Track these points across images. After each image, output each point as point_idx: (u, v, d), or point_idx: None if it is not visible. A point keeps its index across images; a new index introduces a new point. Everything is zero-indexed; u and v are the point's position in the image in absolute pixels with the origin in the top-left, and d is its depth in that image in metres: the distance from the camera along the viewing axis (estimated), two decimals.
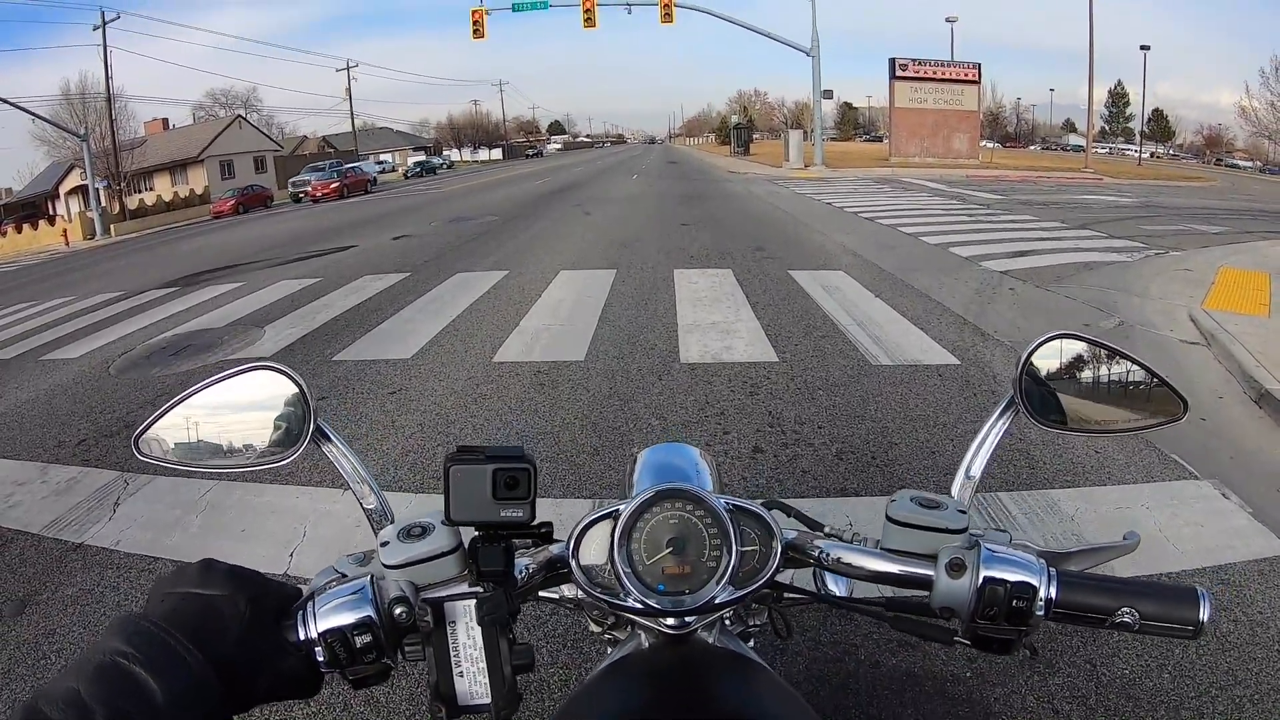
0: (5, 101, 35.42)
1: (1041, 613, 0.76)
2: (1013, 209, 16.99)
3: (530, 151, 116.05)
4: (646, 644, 0.94)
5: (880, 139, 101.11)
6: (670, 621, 0.88)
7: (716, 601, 0.82)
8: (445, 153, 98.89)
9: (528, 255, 11.95)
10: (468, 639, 0.77)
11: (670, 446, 1.14)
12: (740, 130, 63.68)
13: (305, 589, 0.79)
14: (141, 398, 6.14)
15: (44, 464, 4.93)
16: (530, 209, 20.31)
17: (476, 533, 0.79)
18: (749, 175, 32.12)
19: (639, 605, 0.82)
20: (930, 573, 0.80)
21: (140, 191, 50.76)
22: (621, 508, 0.84)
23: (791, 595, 0.95)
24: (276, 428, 0.90)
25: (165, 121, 63.58)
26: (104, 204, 38.64)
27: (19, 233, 40.29)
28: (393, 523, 0.85)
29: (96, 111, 45.51)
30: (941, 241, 11.72)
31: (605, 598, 0.83)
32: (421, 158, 73.53)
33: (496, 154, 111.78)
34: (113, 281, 14.53)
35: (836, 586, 0.98)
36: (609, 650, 1.06)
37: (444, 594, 0.78)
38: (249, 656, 0.69)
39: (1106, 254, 10.47)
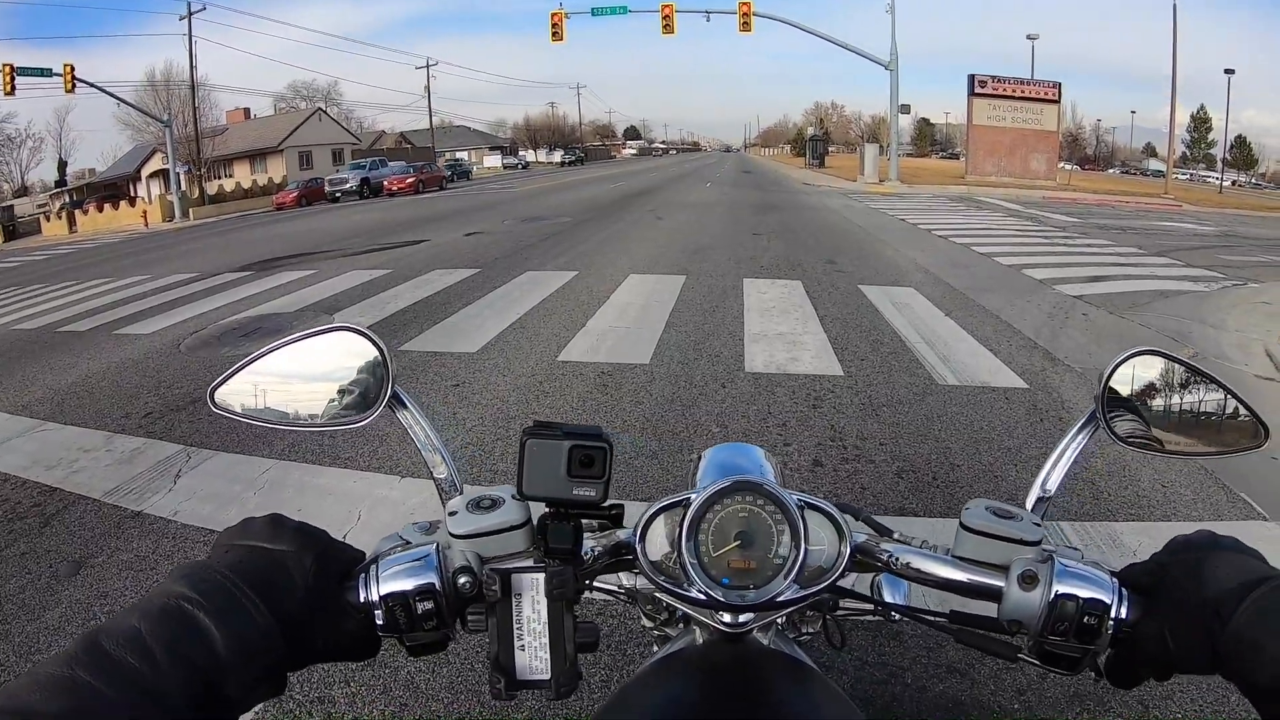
0: (92, 85, 36.79)
1: (1111, 631, 0.73)
2: (1089, 233, 16.58)
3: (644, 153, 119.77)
4: (701, 640, 0.94)
5: (956, 156, 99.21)
6: (726, 619, 0.88)
7: (780, 599, 0.80)
8: (521, 153, 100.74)
9: (598, 257, 12.06)
10: (532, 613, 0.75)
11: (735, 446, 1.12)
12: (816, 142, 63.09)
13: (369, 553, 0.78)
14: (209, 376, 6.29)
15: (110, 433, 5.13)
16: (603, 212, 20.44)
17: (546, 510, 0.78)
18: (823, 188, 31.93)
19: (702, 596, 0.80)
20: (1000, 583, 0.78)
21: (220, 178, 52.09)
22: (692, 497, 0.82)
23: (852, 603, 0.94)
24: (354, 389, 0.90)
25: (247, 111, 65.18)
26: (183, 188, 39.83)
27: (100, 212, 42.05)
28: (461, 494, 0.83)
29: (180, 99, 46.53)
30: (1015, 263, 11.50)
31: (670, 586, 0.82)
32: (512, 158, 79.34)
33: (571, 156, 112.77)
34: (188, 263, 15.05)
35: (896, 599, 0.96)
36: (656, 649, 1.07)
37: (512, 565, 0.76)
38: (311, 614, 0.68)
39: (1183, 283, 10.18)
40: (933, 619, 0.86)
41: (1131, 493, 3.92)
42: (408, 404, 0.90)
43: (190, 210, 38.43)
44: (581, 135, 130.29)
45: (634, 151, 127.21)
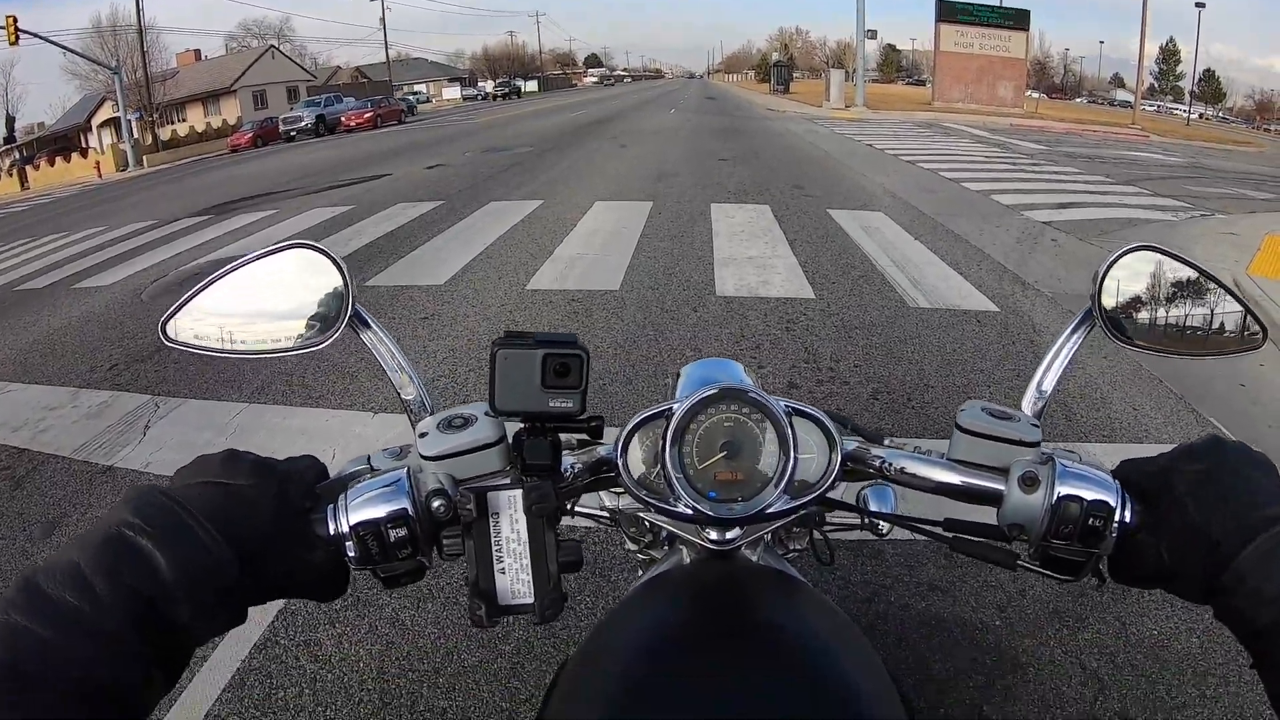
0: (37, 35, 35.38)
1: (1115, 535, 0.70)
2: (1057, 160, 16.48)
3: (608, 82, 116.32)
4: (688, 560, 0.92)
5: (923, 83, 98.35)
6: (713, 536, 0.86)
7: (770, 510, 0.78)
8: (480, 84, 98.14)
9: (562, 186, 11.82)
10: (511, 532, 0.71)
11: (714, 361, 1.07)
12: (780, 68, 62.18)
13: (333, 476, 0.74)
14: None
15: (75, 389, 4.98)
16: (566, 141, 20.01)
17: (521, 426, 0.74)
18: (788, 113, 31.50)
19: (689, 511, 0.77)
20: (999, 487, 0.75)
21: (173, 123, 50.78)
22: (674, 407, 0.79)
23: (840, 518, 0.92)
24: (313, 310, 0.85)
25: (198, 53, 63.21)
26: (135, 136, 38.61)
27: (52, 166, 40.59)
28: (432, 415, 0.79)
29: (128, 44, 45.30)
30: (983, 189, 11.43)
31: (654, 501, 0.79)
32: (472, 90, 77.04)
33: (532, 86, 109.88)
34: (145, 211, 14.57)
35: (884, 511, 0.93)
36: (641, 574, 1.04)
37: (488, 483, 0.72)
38: (271, 546, 0.64)
39: (1151, 212, 10.15)
40: (928, 528, 0.84)
41: (1104, 415, 3.93)
42: (370, 323, 0.86)
43: (144, 158, 37.00)
44: (542, 64, 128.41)
45: (595, 80, 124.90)
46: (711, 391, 0.78)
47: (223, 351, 0.87)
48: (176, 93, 54.30)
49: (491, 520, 0.71)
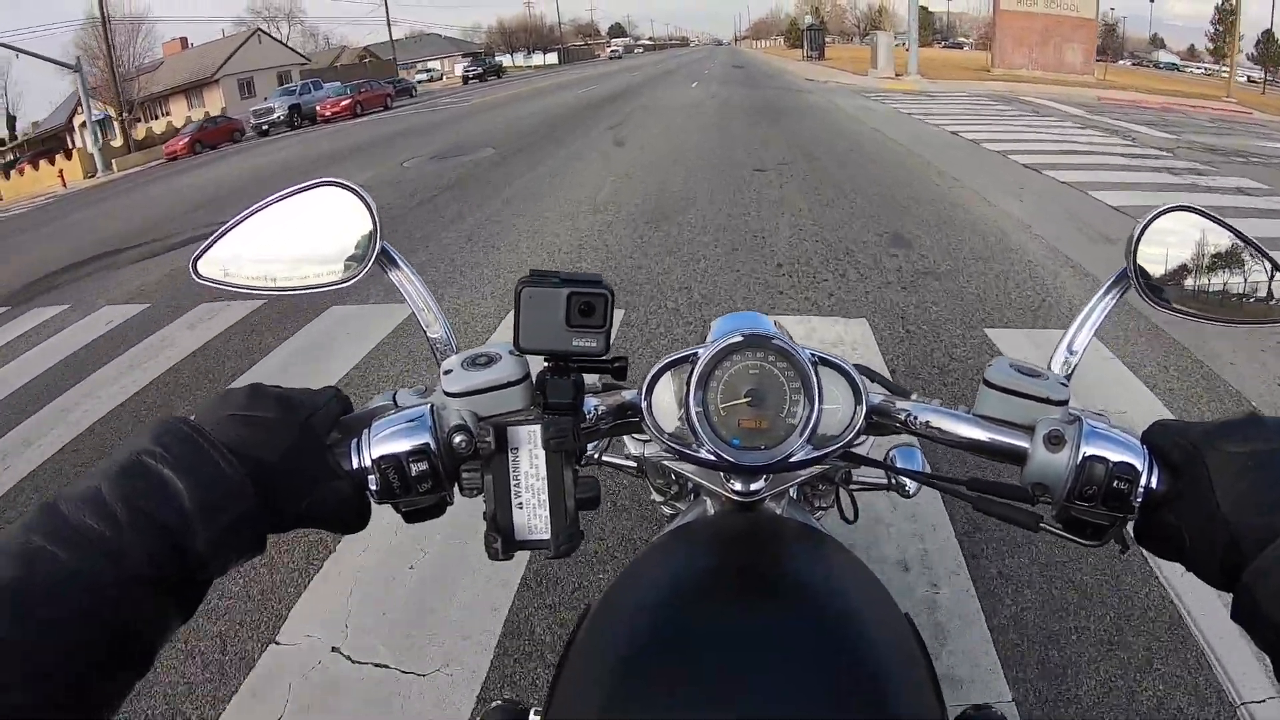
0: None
1: (1140, 500, 0.68)
2: (1215, 165, 10.87)
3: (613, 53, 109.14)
4: (713, 511, 0.95)
5: (960, 46, 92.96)
6: (737, 487, 0.88)
7: (794, 459, 0.77)
8: (497, 58, 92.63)
9: (490, 243, 7.39)
10: (530, 468, 0.71)
11: (745, 314, 0.93)
12: (814, 32, 56.46)
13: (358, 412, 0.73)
14: None
15: None
16: (547, 135, 15.56)
17: (545, 365, 0.72)
18: (830, 84, 26.58)
19: (711, 457, 0.77)
20: (1025, 444, 0.73)
21: (156, 118, 47.09)
22: (700, 351, 0.78)
23: (865, 475, 0.99)
24: (342, 248, 0.84)
25: (184, 41, 59.28)
26: (100, 138, 34.77)
27: (36, 169, 36.34)
28: (456, 352, 0.78)
29: (126, 32, 42.30)
30: None
31: (678, 447, 0.78)
32: (474, 67, 67.40)
33: (552, 58, 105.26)
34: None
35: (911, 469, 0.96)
36: (666, 525, 1.09)
37: (508, 418, 0.71)
38: (294, 478, 0.64)
39: None
40: (951, 486, 0.80)
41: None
42: (398, 261, 0.85)
43: (114, 161, 33.05)
44: (561, 35, 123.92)
45: (618, 51, 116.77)
46: (737, 339, 0.78)
47: (252, 288, 0.86)
48: (156, 85, 50.65)
49: (510, 455, 0.71)
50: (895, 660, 0.69)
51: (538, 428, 0.71)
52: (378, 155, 15.68)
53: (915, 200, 8.04)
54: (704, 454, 0.77)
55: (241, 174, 17.62)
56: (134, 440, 0.59)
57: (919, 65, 29.12)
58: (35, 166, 37.15)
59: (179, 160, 30.11)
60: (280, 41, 56.88)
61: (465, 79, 65.51)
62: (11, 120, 63.07)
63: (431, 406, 0.71)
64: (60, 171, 33.47)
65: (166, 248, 9.48)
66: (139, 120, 50.58)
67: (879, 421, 0.81)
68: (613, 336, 0.69)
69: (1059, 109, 19.12)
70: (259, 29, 55.33)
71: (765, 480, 0.88)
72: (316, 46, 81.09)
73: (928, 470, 0.93)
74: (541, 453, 0.71)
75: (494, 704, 0.87)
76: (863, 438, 0.81)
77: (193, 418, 0.63)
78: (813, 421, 0.76)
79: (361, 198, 0.82)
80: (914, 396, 0.83)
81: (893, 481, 0.98)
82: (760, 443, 0.77)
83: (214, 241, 0.83)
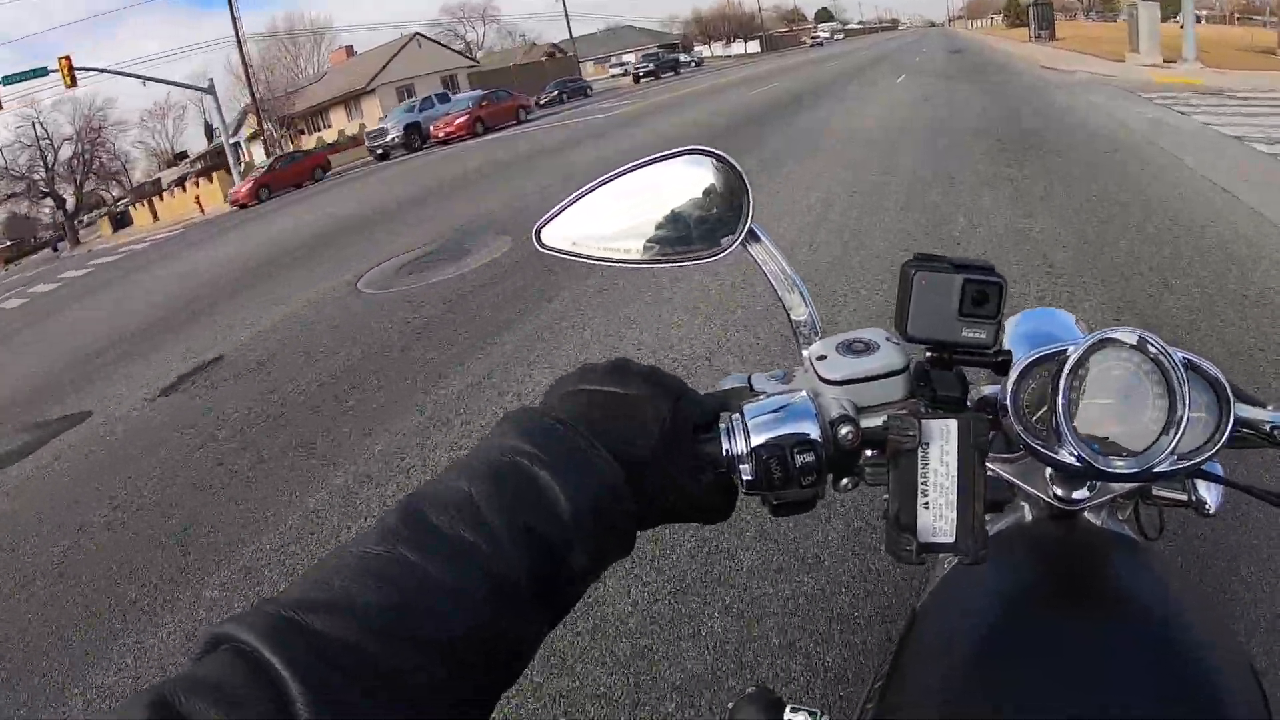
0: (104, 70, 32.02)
1: None
2: None
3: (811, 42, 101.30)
4: (1029, 517, 0.89)
5: (1198, 19, 79.11)
6: (1059, 492, 0.82)
7: (1158, 469, 0.69)
8: (698, 49, 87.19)
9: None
10: (940, 465, 0.65)
11: (1043, 311, 0.94)
12: (1041, 7, 45.65)
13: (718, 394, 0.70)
14: None
15: None
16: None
17: (927, 354, 0.71)
18: (1079, 76, 19.09)
19: (1073, 459, 0.69)
20: None
21: (316, 131, 45.25)
22: (1069, 349, 0.70)
23: (1164, 490, 0.88)
24: (704, 221, 0.77)
25: (349, 49, 57.89)
26: (243, 159, 33.74)
27: (197, 187, 35.74)
28: (821, 337, 0.75)
29: (312, 43, 41.43)
30: None
31: (1039, 447, 0.70)
32: (618, 66, 59.72)
33: (754, 47, 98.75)
34: None
35: (1209, 493, 0.88)
36: None
37: (923, 411, 0.67)
38: (664, 468, 0.59)
39: None
40: None
41: None
42: (762, 238, 0.77)
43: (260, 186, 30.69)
44: (762, 22, 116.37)
45: (820, 38, 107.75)
46: (1117, 335, 0.69)
47: (601, 259, 0.80)
48: (314, 98, 48.82)
49: (921, 451, 0.67)
50: (1230, 683, 0.67)
51: (953, 423, 0.65)
52: (429, 218, 10.99)
53: None
54: (1065, 456, 0.69)
55: (278, 239, 14.03)
56: (499, 437, 0.54)
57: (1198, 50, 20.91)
58: (197, 184, 36.46)
59: (247, 208, 26.60)
60: (439, 44, 53.76)
61: (635, 77, 54.06)
62: (210, 130, 63.47)
63: (807, 393, 0.67)
64: (197, 198, 31.34)
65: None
66: (303, 133, 49.14)
67: (1243, 434, 0.73)
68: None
69: None
70: (417, 34, 52.26)
71: (1090, 489, 0.81)
72: (513, 44, 79.16)
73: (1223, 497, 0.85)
74: (954, 450, 0.65)
75: (749, 690, 0.77)
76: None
77: (547, 400, 0.61)
78: (1181, 431, 0.68)
79: (733, 167, 0.75)
80: (1270, 407, 0.74)
81: (1191, 499, 0.86)
82: (1120, 449, 0.69)
83: (561, 210, 0.77)
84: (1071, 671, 0.64)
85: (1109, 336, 0.68)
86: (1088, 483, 0.80)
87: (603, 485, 0.53)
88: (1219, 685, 0.65)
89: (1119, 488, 0.82)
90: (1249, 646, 1.89)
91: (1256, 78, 16.22)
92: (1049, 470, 0.78)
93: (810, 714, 0.73)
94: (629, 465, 0.55)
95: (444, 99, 33.41)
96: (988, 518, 0.67)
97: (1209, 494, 0.86)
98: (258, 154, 46.89)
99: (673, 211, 0.77)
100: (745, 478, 0.63)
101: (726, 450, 0.63)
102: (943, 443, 0.65)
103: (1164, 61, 20.77)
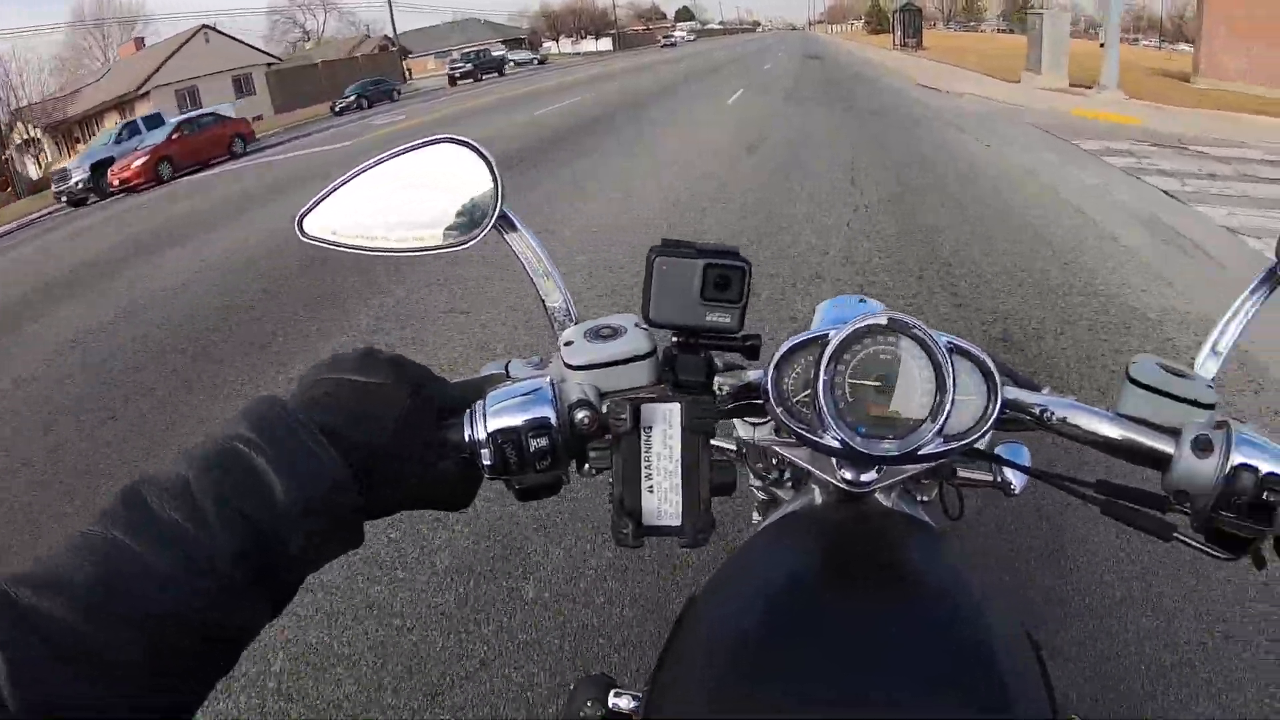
0: None
1: None
2: None
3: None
4: (820, 500, 0.90)
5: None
6: (847, 476, 0.80)
7: (923, 451, 0.70)
8: (546, 45, 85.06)
9: None
10: (664, 449, 0.67)
11: (850, 297, 0.96)
12: (908, 14, 42.98)
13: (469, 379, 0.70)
14: None
15: None
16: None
17: (673, 340, 0.70)
18: (966, 99, 15.47)
19: (837, 444, 0.69)
20: (1168, 449, 0.70)
21: (83, 142, 38.26)
22: (831, 334, 0.70)
23: (971, 471, 0.93)
24: (459, 209, 0.77)
25: (139, 42, 50.07)
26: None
27: None
28: (576, 323, 0.75)
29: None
30: None
31: (803, 431, 0.70)
32: (462, 64, 51.49)
33: (605, 44, 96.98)
34: None
35: (1014, 474, 0.95)
36: (757, 517, 1.07)
37: (644, 395, 0.67)
38: (400, 453, 0.60)
39: None
40: (1079, 488, 0.76)
41: None
42: (517, 225, 0.79)
43: None
44: (616, 19, 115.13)
45: (674, 39, 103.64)
46: (878, 320, 0.70)
47: (360, 248, 0.79)
48: (92, 100, 41.52)
49: (643, 434, 0.67)
50: (1011, 660, 0.66)
51: (676, 407, 0.66)
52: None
53: None
54: (829, 440, 0.69)
55: None
56: (229, 424, 0.54)
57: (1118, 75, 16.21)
58: None
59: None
60: (233, 38, 46.01)
61: (452, 79, 49.89)
62: None
63: (551, 379, 0.67)
64: None
65: None
66: (78, 140, 41.71)
67: (1011, 415, 0.75)
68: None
69: None
70: (204, 26, 44.29)
71: (878, 471, 0.80)
72: (355, 34, 73.72)
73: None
74: (677, 433, 0.66)
75: (585, 676, 0.84)
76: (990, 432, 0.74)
77: (295, 390, 0.60)
78: (946, 413, 0.69)
79: (483, 156, 0.75)
80: (1046, 391, 0.76)
81: (997, 480, 0.94)
82: (887, 432, 0.70)
83: (321, 199, 0.77)
84: (841, 651, 0.63)
85: (872, 323, 0.68)
86: (875, 466, 0.77)
87: (321, 475, 0.52)
88: (993, 658, 0.64)
89: (912, 469, 0.80)
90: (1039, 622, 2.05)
91: (1212, 119, 11.82)
92: None
93: (634, 696, 0.79)
94: (359, 454, 0.55)
95: (155, 123, 25.83)
96: (757, 502, 0.76)
97: (1014, 474, 0.92)
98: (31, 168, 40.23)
99: (429, 199, 0.76)
100: (485, 463, 0.63)
101: (469, 436, 0.63)
102: (665, 426, 0.65)
103: (1071, 85, 16.81)
